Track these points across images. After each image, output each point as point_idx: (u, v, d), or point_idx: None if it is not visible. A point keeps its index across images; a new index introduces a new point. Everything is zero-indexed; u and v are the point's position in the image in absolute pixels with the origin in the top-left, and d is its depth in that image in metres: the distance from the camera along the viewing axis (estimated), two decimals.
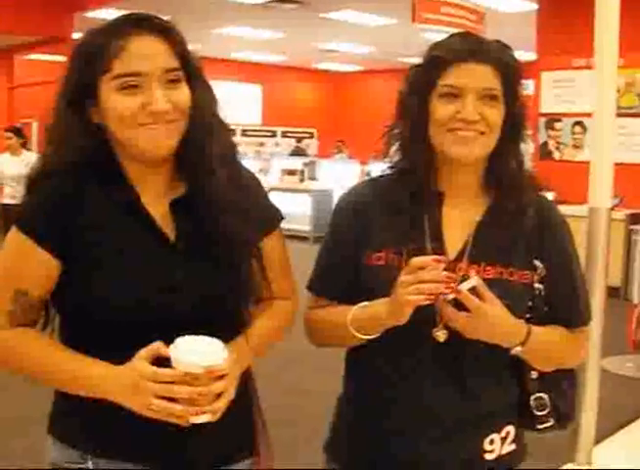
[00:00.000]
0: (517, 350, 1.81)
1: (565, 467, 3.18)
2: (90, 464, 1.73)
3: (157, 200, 1.75)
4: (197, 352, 1.57)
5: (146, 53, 1.65)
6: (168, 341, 1.59)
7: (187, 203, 1.74)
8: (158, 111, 1.64)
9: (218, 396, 1.61)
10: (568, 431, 2.62)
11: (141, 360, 1.59)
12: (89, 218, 1.70)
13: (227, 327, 1.72)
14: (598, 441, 3.30)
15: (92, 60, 1.65)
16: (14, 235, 1.70)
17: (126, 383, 1.60)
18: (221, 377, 1.60)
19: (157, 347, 1.59)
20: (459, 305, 1.71)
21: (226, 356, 1.60)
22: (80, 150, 1.70)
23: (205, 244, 1.72)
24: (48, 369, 1.70)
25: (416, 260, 1.71)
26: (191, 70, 1.72)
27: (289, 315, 1.94)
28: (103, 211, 1.71)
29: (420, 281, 1.67)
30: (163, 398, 1.57)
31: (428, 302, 1.70)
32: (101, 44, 1.65)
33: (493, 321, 1.73)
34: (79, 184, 1.70)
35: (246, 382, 1.81)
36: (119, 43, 1.63)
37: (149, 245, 1.72)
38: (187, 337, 1.59)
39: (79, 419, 1.75)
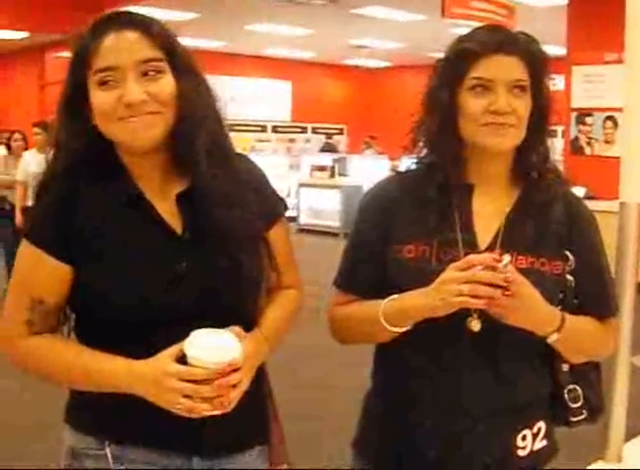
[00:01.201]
0: (553, 337, 1.80)
1: (594, 464, 3.15)
2: (108, 451, 1.75)
3: (161, 193, 1.77)
4: (212, 347, 1.60)
5: (120, 46, 1.68)
6: (177, 332, 1.62)
7: (190, 196, 1.76)
8: (131, 101, 1.66)
9: (232, 386, 1.64)
10: (597, 428, 2.60)
11: (166, 358, 1.62)
12: (93, 218, 1.72)
13: (235, 318, 1.73)
14: (628, 438, 3.26)
15: (79, 60, 1.70)
16: (23, 245, 1.75)
17: (151, 380, 1.62)
18: (236, 369, 1.63)
19: (180, 346, 1.62)
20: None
21: (240, 349, 1.63)
22: (77, 152, 1.73)
23: (209, 236, 1.74)
24: (70, 371, 1.73)
25: (473, 258, 1.70)
26: (177, 62, 1.73)
27: (296, 305, 1.96)
28: (106, 208, 1.74)
29: (476, 281, 1.67)
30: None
31: (483, 306, 1.70)
32: (84, 44, 1.69)
33: (530, 304, 1.72)
34: (79, 185, 1.73)
35: (259, 372, 1.82)
36: (97, 40, 1.68)
37: (155, 238, 1.74)
38: (200, 331, 1.62)
39: (96, 408, 1.77)
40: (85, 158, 1.73)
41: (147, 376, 1.63)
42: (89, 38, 1.69)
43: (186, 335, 1.61)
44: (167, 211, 1.76)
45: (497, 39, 1.80)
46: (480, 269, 1.67)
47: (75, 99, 1.72)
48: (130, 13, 1.73)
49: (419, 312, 1.77)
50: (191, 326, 1.63)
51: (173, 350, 1.62)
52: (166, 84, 1.70)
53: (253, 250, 1.80)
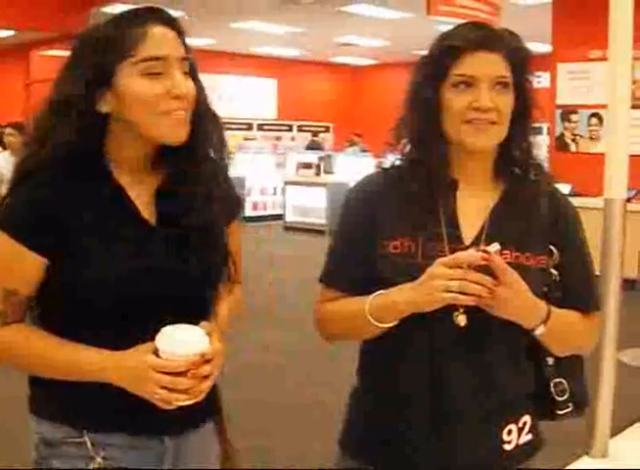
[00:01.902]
0: (540, 330, 1.80)
1: (580, 460, 3.18)
2: (87, 438, 1.81)
3: (139, 185, 1.81)
4: (182, 341, 1.67)
5: (167, 39, 1.71)
6: (147, 322, 1.69)
7: (170, 190, 1.81)
8: (181, 93, 1.70)
9: (204, 377, 1.71)
10: (583, 424, 2.63)
11: (145, 351, 1.68)
12: (72, 210, 1.73)
13: (198, 309, 1.82)
14: (614, 433, 3.29)
15: (111, 47, 1.69)
16: None
17: (131, 372, 1.68)
18: (207, 361, 1.69)
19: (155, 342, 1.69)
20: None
21: (207, 342, 1.69)
22: (70, 142, 1.72)
23: (184, 229, 1.80)
24: (50, 362, 1.76)
25: (460, 255, 1.71)
26: (191, 64, 1.77)
27: (240, 302, 2.05)
28: (87, 201, 1.75)
29: (467, 279, 1.68)
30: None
31: (472, 303, 1.71)
32: (120, 32, 1.69)
33: (518, 295, 1.73)
34: (60, 177, 1.74)
35: None
36: (141, 30, 1.69)
37: (132, 231, 1.79)
38: (170, 327, 1.69)
39: (70, 398, 1.81)
40: (78, 148, 1.73)
41: (128, 367, 1.69)
42: (124, 26, 1.69)
43: (154, 324, 1.68)
44: (144, 203, 1.81)
45: (480, 36, 1.80)
46: (466, 265, 1.68)
47: (93, 86, 1.71)
48: (160, 9, 1.75)
49: (405, 308, 1.77)
50: (159, 316, 1.69)
51: (149, 344, 1.68)
52: (192, 85, 1.75)
53: (218, 245, 1.88)
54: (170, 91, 1.69)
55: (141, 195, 1.81)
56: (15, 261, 1.74)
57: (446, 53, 1.81)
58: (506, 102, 1.81)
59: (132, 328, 1.72)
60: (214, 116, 1.84)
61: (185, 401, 1.69)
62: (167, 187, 1.81)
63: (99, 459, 1.80)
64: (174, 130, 1.72)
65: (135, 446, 1.84)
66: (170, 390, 1.66)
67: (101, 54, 1.69)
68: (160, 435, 1.86)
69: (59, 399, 1.84)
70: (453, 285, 1.68)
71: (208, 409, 1.95)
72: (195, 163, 1.80)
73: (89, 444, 1.81)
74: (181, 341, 1.67)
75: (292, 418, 5.31)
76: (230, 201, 1.97)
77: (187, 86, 1.72)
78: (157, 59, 1.69)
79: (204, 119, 1.79)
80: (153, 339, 1.67)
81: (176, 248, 1.80)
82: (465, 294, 1.69)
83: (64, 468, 1.83)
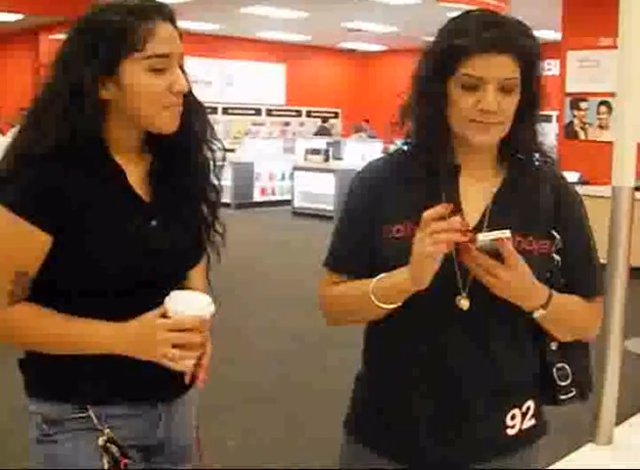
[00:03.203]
0: (539, 313, 1.82)
1: (585, 447, 3.18)
2: (91, 412, 1.88)
3: (134, 169, 1.90)
4: (193, 304, 1.80)
5: (172, 36, 1.80)
6: (143, 294, 1.81)
7: (161, 173, 1.92)
8: (182, 90, 1.81)
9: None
10: (587, 411, 2.63)
11: (152, 316, 1.78)
12: (74, 195, 1.78)
13: (179, 281, 1.97)
14: (619, 421, 3.29)
15: (121, 39, 1.76)
16: (5, 217, 1.76)
17: (138, 338, 1.79)
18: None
19: (161, 308, 1.78)
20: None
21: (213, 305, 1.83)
22: (81, 128, 1.77)
23: (177, 206, 1.94)
24: (54, 337, 1.83)
25: (427, 214, 1.71)
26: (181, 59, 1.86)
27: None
28: (90, 182, 1.81)
29: (435, 232, 1.68)
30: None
31: (446, 250, 1.70)
32: (130, 25, 1.75)
33: (522, 277, 1.75)
34: (64, 161, 1.78)
35: None
36: (149, 26, 1.76)
37: (129, 208, 1.88)
38: (177, 291, 1.81)
39: (73, 376, 1.88)
40: (85, 132, 1.78)
41: (135, 334, 1.79)
42: (133, 20, 1.76)
43: (151, 302, 1.78)
44: (138, 179, 1.91)
45: (490, 36, 1.77)
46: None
47: (99, 73, 1.77)
48: (165, 5, 1.82)
49: (404, 286, 1.78)
50: (156, 295, 1.79)
51: (155, 311, 1.78)
52: (186, 80, 1.85)
53: (202, 219, 2.02)
54: (172, 87, 1.79)
55: (136, 177, 1.90)
56: (25, 242, 1.77)
57: (456, 50, 1.79)
58: (511, 102, 1.81)
59: (130, 309, 1.80)
60: (199, 103, 1.95)
61: (193, 359, 1.80)
62: (159, 170, 1.92)
63: (107, 430, 1.88)
64: (172, 122, 1.83)
65: (134, 414, 1.94)
66: (181, 349, 1.76)
67: (111, 44, 1.76)
68: (154, 402, 1.96)
69: (59, 379, 1.90)
70: (428, 242, 1.68)
71: (191, 379, 2.01)
72: (182, 147, 1.92)
73: (94, 417, 1.88)
74: (191, 302, 1.78)
75: (299, 403, 5.34)
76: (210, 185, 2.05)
77: (185, 82, 1.81)
78: (162, 56, 1.77)
79: (190, 108, 1.89)
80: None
81: (173, 228, 1.92)
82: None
83: (71, 443, 1.89)
